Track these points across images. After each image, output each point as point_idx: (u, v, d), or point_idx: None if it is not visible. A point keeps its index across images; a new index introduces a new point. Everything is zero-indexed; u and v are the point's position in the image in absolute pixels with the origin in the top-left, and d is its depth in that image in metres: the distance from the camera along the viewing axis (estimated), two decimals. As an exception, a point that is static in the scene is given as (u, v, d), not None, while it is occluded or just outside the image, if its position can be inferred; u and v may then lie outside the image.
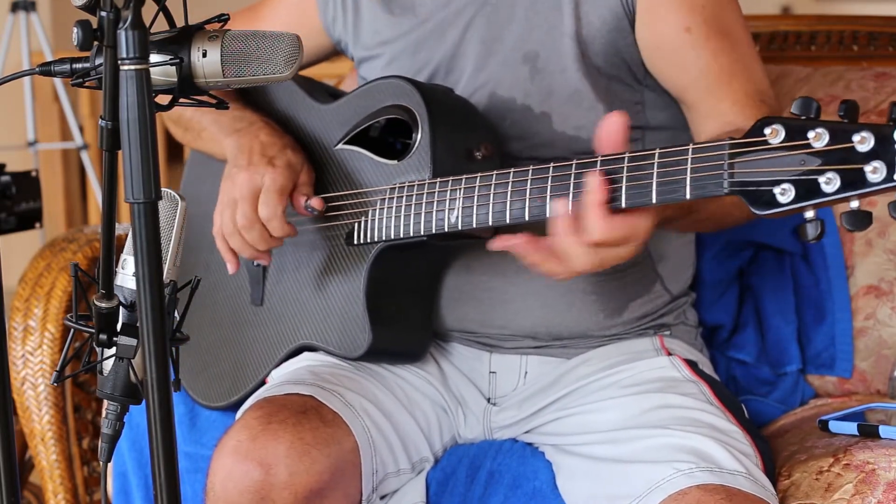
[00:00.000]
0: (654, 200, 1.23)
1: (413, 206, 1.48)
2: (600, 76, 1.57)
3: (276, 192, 1.55)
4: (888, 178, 1.08)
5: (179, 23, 1.12)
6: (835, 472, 1.43)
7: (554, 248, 1.29)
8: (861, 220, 1.10)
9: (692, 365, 1.60)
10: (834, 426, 1.52)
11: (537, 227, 1.39)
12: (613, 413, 1.52)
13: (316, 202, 1.58)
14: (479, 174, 1.41)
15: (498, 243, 1.34)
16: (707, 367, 1.66)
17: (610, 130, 1.26)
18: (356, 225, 1.56)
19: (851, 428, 1.50)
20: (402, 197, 1.50)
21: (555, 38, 1.56)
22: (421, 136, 1.51)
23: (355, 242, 1.56)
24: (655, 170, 1.23)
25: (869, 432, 1.49)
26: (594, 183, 1.24)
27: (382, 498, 1.55)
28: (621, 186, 1.25)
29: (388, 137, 1.62)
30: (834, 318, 1.82)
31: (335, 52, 1.79)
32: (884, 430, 1.47)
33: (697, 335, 1.72)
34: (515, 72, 1.58)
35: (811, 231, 1.13)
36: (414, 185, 1.49)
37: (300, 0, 1.75)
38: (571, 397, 1.59)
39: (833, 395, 1.83)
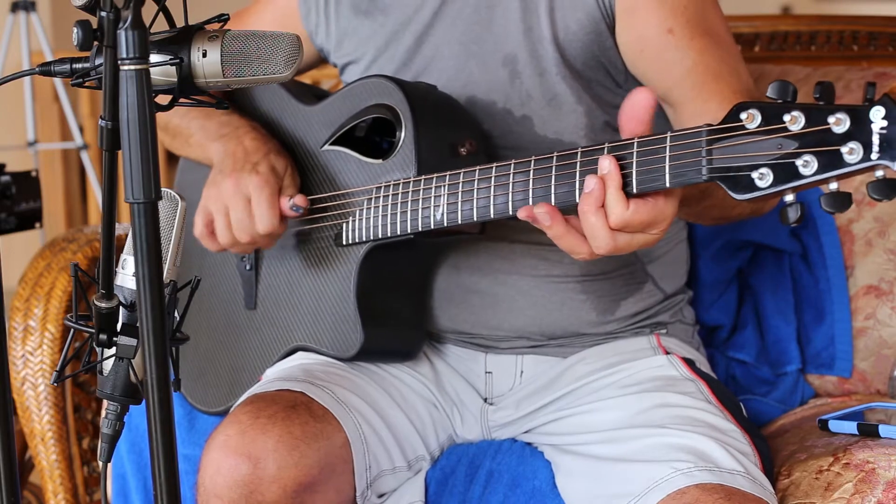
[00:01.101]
0: (634, 190, 1.23)
1: (399, 205, 1.49)
2: (580, 80, 1.57)
3: (266, 206, 1.55)
4: (865, 159, 1.08)
5: (179, 23, 1.12)
6: (834, 472, 1.43)
7: (579, 225, 1.28)
8: (840, 201, 1.11)
9: (690, 363, 1.60)
10: (834, 425, 1.53)
11: (524, 227, 1.39)
12: (612, 412, 1.52)
13: (300, 199, 1.58)
14: (463, 170, 1.41)
15: (523, 213, 1.31)
16: (705, 365, 1.67)
17: (636, 106, 1.26)
18: (344, 225, 1.57)
19: (851, 427, 1.51)
20: (388, 196, 1.50)
21: (533, 42, 1.56)
22: (405, 134, 1.51)
23: (344, 243, 1.56)
24: (634, 159, 1.23)
25: (869, 432, 1.49)
26: (610, 166, 1.24)
27: (380, 496, 1.55)
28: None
29: (374, 137, 1.62)
30: (833, 317, 1.82)
31: (320, 61, 1.80)
32: (883, 430, 1.47)
33: (694, 333, 1.72)
34: (494, 75, 1.58)
35: (792, 214, 1.13)
36: (399, 184, 1.49)
37: (284, 8, 1.75)
38: (569, 398, 1.59)
39: (833, 395, 1.83)
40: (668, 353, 1.61)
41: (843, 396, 1.82)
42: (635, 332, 1.64)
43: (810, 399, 1.83)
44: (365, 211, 1.53)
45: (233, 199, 1.57)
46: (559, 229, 1.29)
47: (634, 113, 1.26)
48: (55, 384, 1.97)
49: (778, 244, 1.85)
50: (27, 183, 2.25)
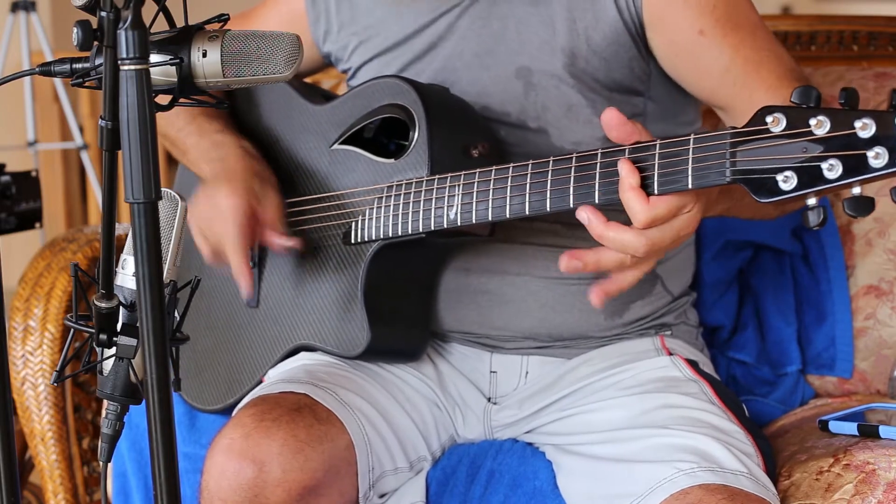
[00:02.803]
0: (656, 191, 1.23)
1: (411, 204, 1.48)
2: (598, 90, 1.56)
3: (235, 248, 1.58)
4: (891, 163, 1.09)
5: (179, 23, 1.12)
6: (835, 473, 1.43)
7: (608, 249, 1.29)
8: (863, 205, 1.11)
9: (693, 364, 1.60)
10: (834, 426, 1.52)
11: (539, 220, 1.39)
12: (615, 413, 1.52)
13: (295, 243, 1.60)
14: (478, 170, 1.41)
15: (568, 267, 1.33)
16: (708, 366, 1.67)
17: (610, 125, 1.27)
18: (353, 224, 1.56)
19: (851, 428, 1.50)
20: (400, 195, 1.50)
21: (547, 54, 1.56)
22: (418, 135, 1.51)
23: (353, 241, 1.56)
24: (656, 161, 1.23)
25: (869, 432, 1.49)
26: (625, 168, 1.24)
27: (382, 497, 1.55)
28: (616, 180, 1.25)
29: (382, 138, 1.62)
30: (834, 318, 1.82)
31: (323, 66, 1.80)
32: (884, 431, 1.47)
33: (698, 335, 1.72)
34: (509, 87, 1.58)
35: (813, 218, 1.14)
36: (412, 183, 1.49)
37: (290, 12, 1.75)
38: (572, 398, 1.59)
39: (833, 396, 1.83)
40: (671, 354, 1.61)
41: (844, 397, 1.82)
42: (640, 333, 1.64)
43: (811, 399, 1.82)
44: (375, 210, 1.53)
45: (210, 227, 1.60)
46: (590, 258, 1.30)
47: (614, 122, 1.27)
48: (55, 384, 1.97)
49: (779, 245, 1.85)
50: (27, 183, 2.25)
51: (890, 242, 1.81)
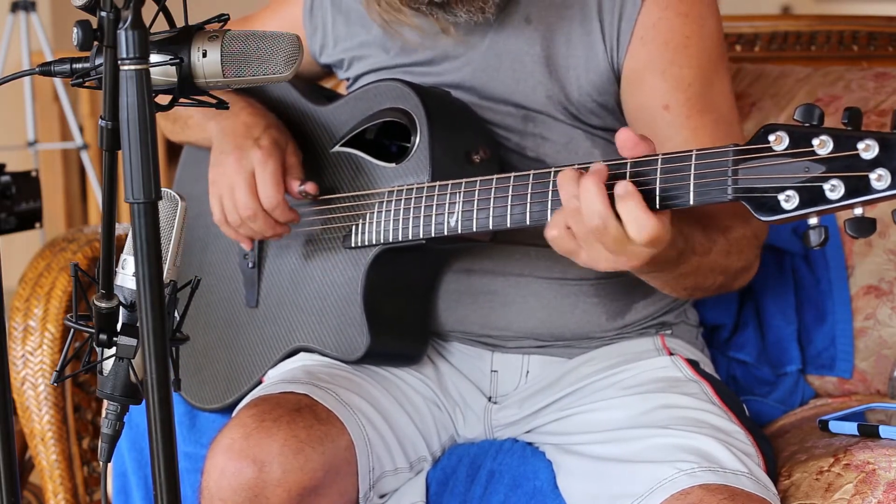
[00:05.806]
0: (657, 206, 1.23)
1: (412, 210, 1.48)
2: (594, 128, 1.57)
3: (270, 180, 1.55)
4: (892, 186, 1.09)
5: (179, 23, 1.12)
6: (835, 473, 1.43)
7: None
8: (865, 226, 1.11)
9: (694, 364, 1.60)
10: (834, 426, 1.53)
11: (538, 232, 1.39)
12: (615, 413, 1.52)
13: (310, 187, 1.58)
14: (480, 178, 1.41)
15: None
16: (708, 366, 1.67)
17: (625, 146, 1.27)
18: (354, 227, 1.56)
19: (851, 428, 1.51)
20: (402, 200, 1.50)
21: (541, 95, 1.56)
22: (419, 140, 1.51)
23: (353, 245, 1.56)
24: (658, 175, 1.23)
25: (869, 432, 1.49)
26: (628, 186, 1.23)
27: (382, 497, 1.55)
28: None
29: (383, 140, 1.62)
30: (834, 318, 1.82)
31: (326, 74, 1.80)
32: (884, 430, 1.47)
33: (698, 334, 1.72)
34: (507, 118, 1.58)
35: (814, 238, 1.14)
36: (413, 189, 1.49)
37: (290, 21, 1.75)
38: (573, 397, 1.59)
39: (833, 396, 1.83)
40: (671, 354, 1.61)
41: (844, 397, 1.82)
42: (640, 332, 1.64)
43: (810, 399, 1.82)
44: (376, 214, 1.53)
45: (236, 175, 1.56)
46: (570, 182, 1.27)
47: (629, 143, 1.26)
48: (55, 384, 1.97)
49: (779, 244, 1.85)
50: (27, 183, 2.25)
51: (890, 242, 1.81)
